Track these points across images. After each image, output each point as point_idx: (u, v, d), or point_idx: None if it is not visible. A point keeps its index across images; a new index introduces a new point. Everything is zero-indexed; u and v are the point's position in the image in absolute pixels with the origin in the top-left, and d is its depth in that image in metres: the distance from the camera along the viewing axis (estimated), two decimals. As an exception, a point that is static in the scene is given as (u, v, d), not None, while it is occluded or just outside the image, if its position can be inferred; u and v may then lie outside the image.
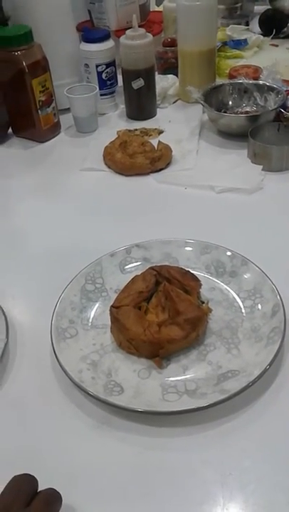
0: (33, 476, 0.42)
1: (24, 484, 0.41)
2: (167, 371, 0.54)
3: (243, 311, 0.60)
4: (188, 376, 0.53)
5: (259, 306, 0.59)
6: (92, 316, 0.61)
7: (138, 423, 0.50)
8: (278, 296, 0.58)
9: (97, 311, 0.62)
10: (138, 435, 0.50)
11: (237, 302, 0.61)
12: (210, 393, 0.50)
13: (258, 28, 1.50)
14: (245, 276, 0.63)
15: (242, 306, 0.61)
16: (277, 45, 1.39)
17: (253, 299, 0.61)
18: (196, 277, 0.61)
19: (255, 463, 0.47)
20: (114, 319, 0.57)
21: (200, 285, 0.61)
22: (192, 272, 0.63)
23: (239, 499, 0.44)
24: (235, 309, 0.60)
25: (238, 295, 0.62)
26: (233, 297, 0.62)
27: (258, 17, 1.50)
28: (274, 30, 1.41)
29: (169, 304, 0.57)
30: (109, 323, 0.59)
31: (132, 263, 0.68)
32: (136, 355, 0.56)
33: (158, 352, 0.55)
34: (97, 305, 0.62)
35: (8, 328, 0.59)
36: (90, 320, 0.61)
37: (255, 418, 0.50)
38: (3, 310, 0.61)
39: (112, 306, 0.59)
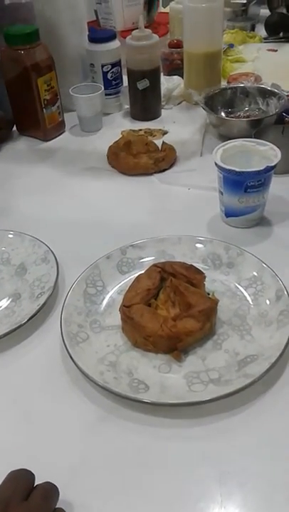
0: (30, 471, 0.42)
1: (21, 479, 0.41)
2: (187, 363, 0.55)
3: (248, 298, 0.62)
4: (208, 366, 0.54)
5: (262, 293, 0.61)
6: (99, 318, 0.61)
7: (143, 413, 0.51)
8: (280, 281, 0.60)
9: (104, 314, 0.62)
10: (145, 425, 0.50)
11: (240, 291, 0.63)
12: (235, 379, 0.51)
13: (263, 32, 1.50)
14: (243, 266, 0.65)
15: (246, 294, 0.62)
16: (276, 50, 1.39)
17: (254, 287, 0.62)
18: (200, 270, 0.62)
19: (255, 460, 0.47)
20: (128, 318, 0.57)
21: (204, 277, 0.62)
22: (191, 265, 0.64)
23: (237, 497, 0.44)
24: (239, 298, 0.62)
25: (239, 284, 0.63)
26: (235, 286, 0.63)
27: (264, 20, 1.51)
28: (281, 33, 1.42)
29: (179, 298, 0.58)
30: (118, 323, 0.59)
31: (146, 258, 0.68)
32: (153, 352, 0.56)
33: (176, 346, 0.55)
34: (102, 307, 0.63)
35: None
36: (98, 323, 0.61)
37: (255, 415, 0.50)
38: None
39: (123, 306, 0.59)
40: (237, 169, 0.69)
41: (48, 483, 0.42)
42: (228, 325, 0.59)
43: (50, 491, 0.42)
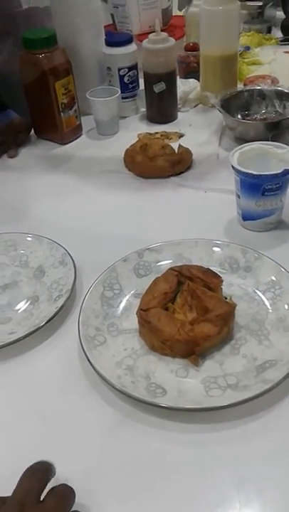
0: (48, 463, 0.42)
1: (36, 477, 0.41)
2: (204, 368, 0.55)
3: (266, 303, 0.61)
4: (226, 371, 0.54)
5: (281, 297, 0.61)
6: (116, 322, 0.61)
7: (160, 418, 0.51)
8: None
9: (121, 317, 0.62)
10: (162, 429, 0.50)
11: (258, 295, 0.62)
12: (253, 385, 0.51)
13: (280, 34, 1.50)
14: (261, 270, 0.64)
15: (264, 299, 0.62)
16: None
17: (272, 291, 0.62)
18: (217, 274, 0.62)
19: (273, 466, 0.46)
20: (145, 322, 0.57)
21: (222, 281, 0.61)
22: (208, 269, 0.63)
23: (256, 504, 0.44)
24: (257, 302, 0.62)
25: (256, 288, 0.63)
26: (253, 291, 0.63)
27: (280, 22, 1.50)
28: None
29: (196, 302, 0.58)
30: (135, 327, 0.59)
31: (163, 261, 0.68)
32: (170, 356, 0.56)
33: (193, 350, 0.55)
34: (119, 311, 0.63)
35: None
36: (115, 326, 0.61)
37: (274, 421, 0.50)
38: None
39: (140, 309, 0.59)
40: (254, 172, 0.69)
41: (64, 485, 0.42)
42: (246, 330, 0.59)
43: (66, 493, 0.42)
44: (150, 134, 1.03)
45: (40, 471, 0.42)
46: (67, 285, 0.65)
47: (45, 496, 0.41)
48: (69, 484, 0.42)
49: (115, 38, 1.11)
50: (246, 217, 0.75)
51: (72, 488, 0.42)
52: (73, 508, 0.42)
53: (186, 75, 1.20)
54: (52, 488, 0.42)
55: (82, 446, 0.50)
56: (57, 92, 0.98)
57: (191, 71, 1.19)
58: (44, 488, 0.41)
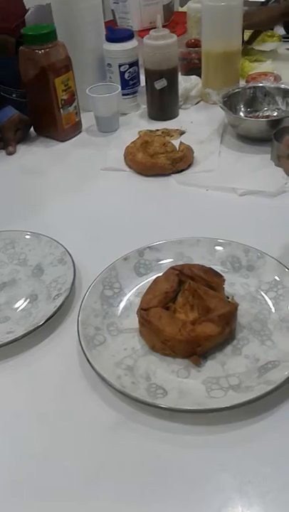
0: None
1: None
2: (206, 369, 0.54)
3: (269, 302, 0.60)
4: (228, 372, 0.53)
5: (283, 297, 0.60)
6: (116, 321, 0.60)
7: (161, 419, 0.50)
8: None
9: (121, 316, 0.61)
10: (163, 431, 0.49)
11: (260, 295, 0.61)
12: (255, 386, 0.50)
13: (282, 31, 1.48)
14: (264, 269, 0.63)
15: (266, 299, 0.61)
16: None
17: (275, 290, 0.61)
18: (219, 273, 0.61)
19: (276, 470, 0.45)
20: (146, 321, 0.56)
21: (224, 280, 0.61)
22: (210, 268, 0.62)
23: (258, 508, 0.43)
24: (259, 302, 0.61)
25: (259, 288, 0.62)
26: (256, 290, 0.62)
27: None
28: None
29: (198, 301, 0.57)
30: (135, 326, 0.58)
31: (164, 260, 0.67)
32: (171, 356, 0.55)
33: (194, 350, 0.54)
34: (119, 310, 0.62)
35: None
36: (115, 325, 0.60)
37: (277, 423, 0.49)
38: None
39: (141, 309, 0.58)
40: None
41: None
42: (248, 330, 0.58)
43: None
44: (151, 131, 1.02)
45: None
46: (66, 284, 0.64)
47: None
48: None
49: (116, 34, 1.09)
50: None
51: None
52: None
53: (188, 72, 1.19)
54: None
55: (82, 447, 0.49)
56: (56, 89, 0.97)
57: (193, 68, 1.18)
58: None
